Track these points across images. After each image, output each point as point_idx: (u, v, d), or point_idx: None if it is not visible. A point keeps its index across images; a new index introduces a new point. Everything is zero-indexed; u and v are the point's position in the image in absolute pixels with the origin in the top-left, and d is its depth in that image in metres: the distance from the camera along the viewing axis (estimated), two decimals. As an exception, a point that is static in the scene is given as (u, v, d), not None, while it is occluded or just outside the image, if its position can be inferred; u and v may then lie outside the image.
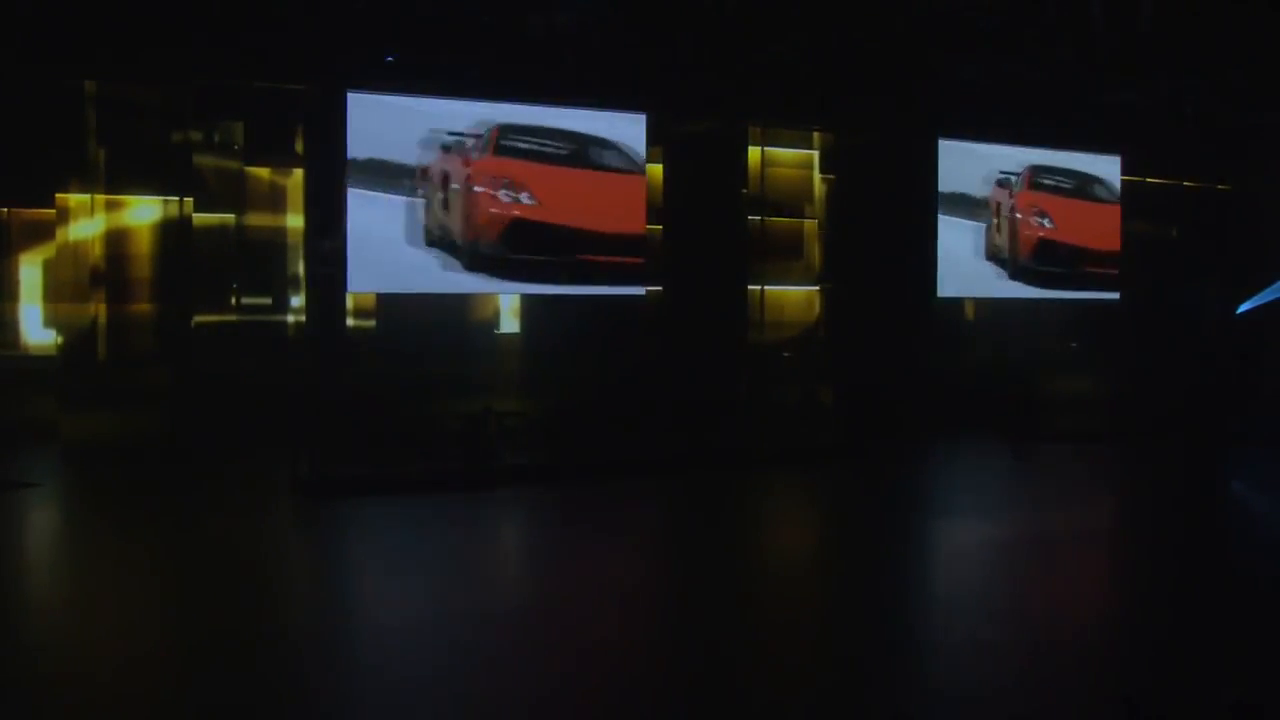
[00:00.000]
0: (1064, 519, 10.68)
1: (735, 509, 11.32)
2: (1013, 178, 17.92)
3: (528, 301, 15.51)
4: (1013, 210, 17.97)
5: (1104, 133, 18.01)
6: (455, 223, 14.18)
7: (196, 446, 12.95)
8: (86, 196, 13.22)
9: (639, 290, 15.51)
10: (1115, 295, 18.87)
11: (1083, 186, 18.84)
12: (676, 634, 7.11)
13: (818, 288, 17.09)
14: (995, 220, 17.84)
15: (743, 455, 13.29)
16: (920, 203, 17.09)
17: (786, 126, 16.66)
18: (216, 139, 14.22)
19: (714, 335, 16.03)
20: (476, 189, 14.23)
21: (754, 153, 16.47)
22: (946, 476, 13.69)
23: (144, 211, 13.47)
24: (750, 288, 16.38)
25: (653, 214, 15.55)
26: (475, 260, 14.31)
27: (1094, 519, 11.13)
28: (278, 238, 14.64)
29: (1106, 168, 18.83)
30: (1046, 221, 18.39)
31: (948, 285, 17.41)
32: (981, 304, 18.31)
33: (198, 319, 13.89)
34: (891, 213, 16.69)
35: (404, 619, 7.19)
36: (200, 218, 13.88)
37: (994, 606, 7.66)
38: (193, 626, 7.00)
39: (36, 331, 14.34)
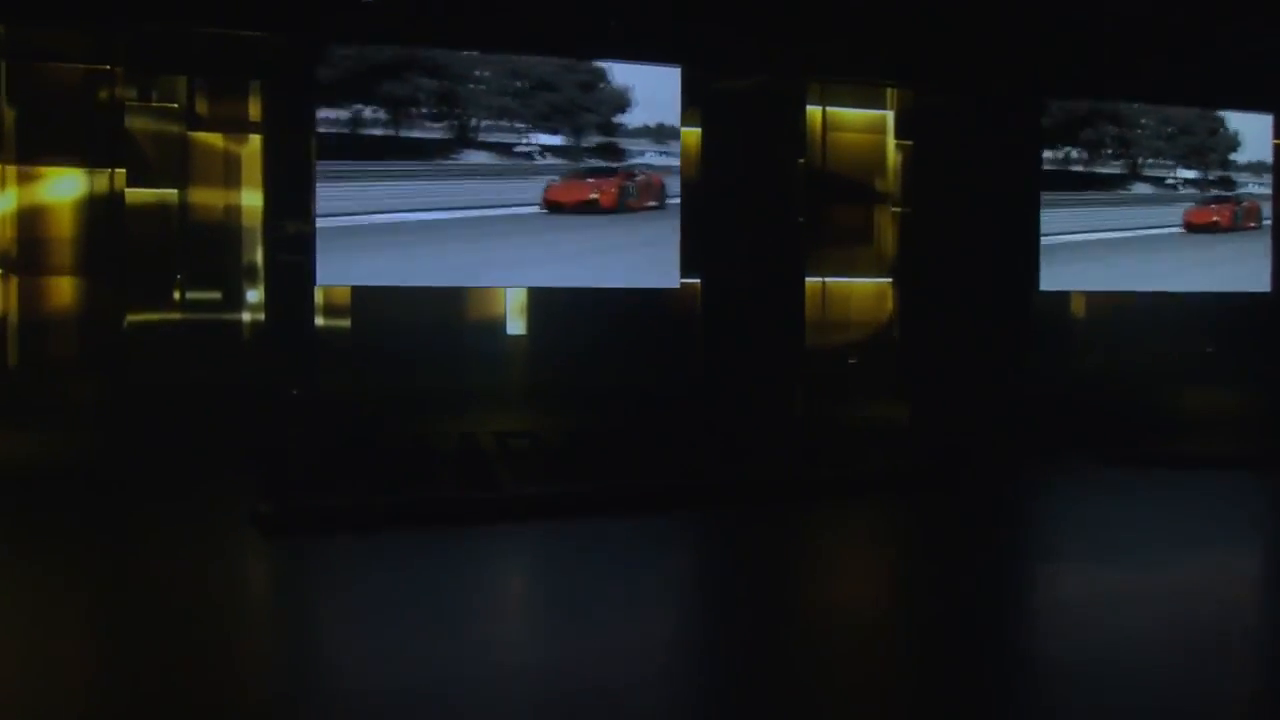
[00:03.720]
0: (1214, 564, 8.84)
1: (793, 555, 9.40)
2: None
3: (537, 296, 13.75)
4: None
5: (1251, 87, 15.72)
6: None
7: (130, 472, 11.29)
8: (-7, 167, 11.86)
9: (672, 284, 13.56)
10: (1266, 288, 16.44)
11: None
12: None
13: (891, 280, 15.50)
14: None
15: (797, 486, 11.39)
16: (1019, 175, 15.02)
17: (854, 82, 14.91)
18: (155, 98, 12.63)
19: (763, 337, 14.23)
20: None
21: (814, 114, 14.71)
22: (1057, 512, 11.48)
23: (65, 185, 12.15)
24: (808, 280, 14.66)
25: (687, 189, 13.69)
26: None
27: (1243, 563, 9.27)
28: (231, 219, 12.95)
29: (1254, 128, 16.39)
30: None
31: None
32: (1094, 300, 16.12)
33: (131, 318, 12.42)
34: (984, 188, 14.64)
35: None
36: (134, 193, 12.34)
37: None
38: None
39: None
